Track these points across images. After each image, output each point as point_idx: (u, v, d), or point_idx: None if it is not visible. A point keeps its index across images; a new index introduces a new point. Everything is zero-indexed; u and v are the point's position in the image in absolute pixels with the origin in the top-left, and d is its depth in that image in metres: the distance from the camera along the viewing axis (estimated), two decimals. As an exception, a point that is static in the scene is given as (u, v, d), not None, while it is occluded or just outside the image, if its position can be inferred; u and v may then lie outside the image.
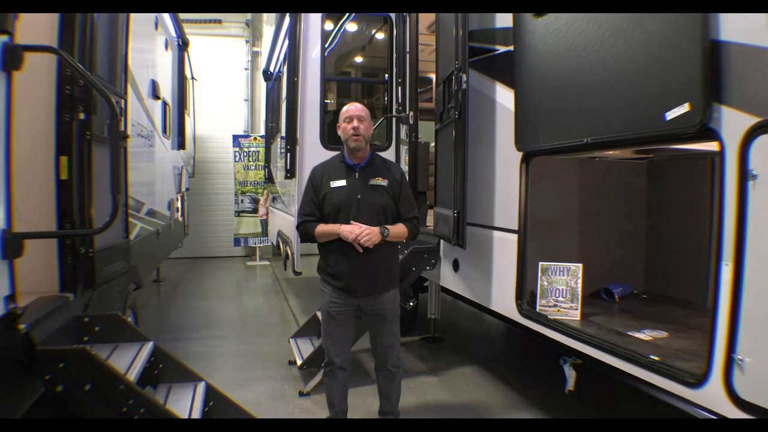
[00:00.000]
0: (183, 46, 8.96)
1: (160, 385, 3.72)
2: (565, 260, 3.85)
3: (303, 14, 5.67)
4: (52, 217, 3.38)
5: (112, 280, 4.09)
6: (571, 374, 3.53)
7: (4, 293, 2.56)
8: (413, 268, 5.02)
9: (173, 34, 8.32)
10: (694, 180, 4.33)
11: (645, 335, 3.36)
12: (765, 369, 2.16)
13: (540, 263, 3.85)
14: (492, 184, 4.24)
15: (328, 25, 6.30)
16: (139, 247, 5.31)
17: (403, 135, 6.13)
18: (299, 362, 5.12)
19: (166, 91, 7.29)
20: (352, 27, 7.26)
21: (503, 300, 4.09)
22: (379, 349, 3.74)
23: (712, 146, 2.38)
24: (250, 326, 7.35)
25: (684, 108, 2.41)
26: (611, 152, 4.28)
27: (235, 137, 13.08)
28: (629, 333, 3.40)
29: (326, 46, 6.09)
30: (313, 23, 5.77)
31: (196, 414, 3.41)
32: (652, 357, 2.84)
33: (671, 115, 2.48)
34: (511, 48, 3.85)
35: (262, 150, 12.39)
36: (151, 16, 6.28)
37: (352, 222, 3.39)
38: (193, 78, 10.54)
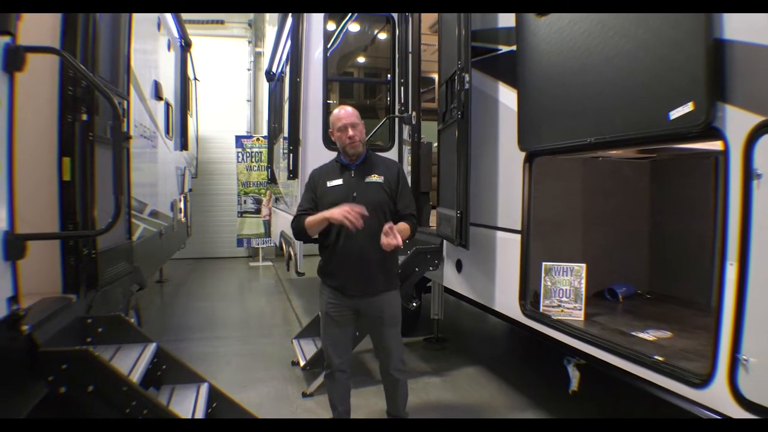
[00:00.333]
0: (185, 46, 8.97)
1: (164, 387, 3.71)
2: (568, 260, 3.84)
3: (305, 14, 5.66)
4: (55, 219, 3.38)
5: (115, 281, 4.09)
6: (574, 375, 3.52)
7: (7, 294, 2.56)
8: (416, 269, 5.02)
9: (176, 34, 8.33)
10: (698, 179, 4.31)
11: (649, 335, 3.35)
12: (770, 369, 2.15)
13: (543, 263, 3.84)
14: (495, 185, 4.23)
15: (331, 26, 6.29)
16: (142, 248, 5.31)
17: (405, 135, 6.12)
18: (302, 363, 5.11)
19: (169, 91, 7.29)
20: (354, 27, 7.26)
21: (506, 300, 4.08)
22: (379, 353, 3.74)
23: (716, 145, 2.37)
24: (253, 327, 7.35)
25: (688, 107, 2.40)
26: (614, 152, 4.26)
27: (238, 138, 13.09)
28: (633, 333, 3.39)
29: (329, 46, 6.09)
30: (316, 23, 5.77)
31: (200, 415, 3.40)
32: (656, 357, 2.83)
33: (675, 114, 2.47)
34: (514, 48, 3.84)
35: (264, 151, 12.39)
36: (154, 16, 6.29)
37: (342, 206, 3.26)
38: (195, 79, 10.55)
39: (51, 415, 3.02)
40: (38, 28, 3.21)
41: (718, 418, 2.38)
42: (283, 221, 8.15)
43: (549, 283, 3.82)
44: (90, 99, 3.45)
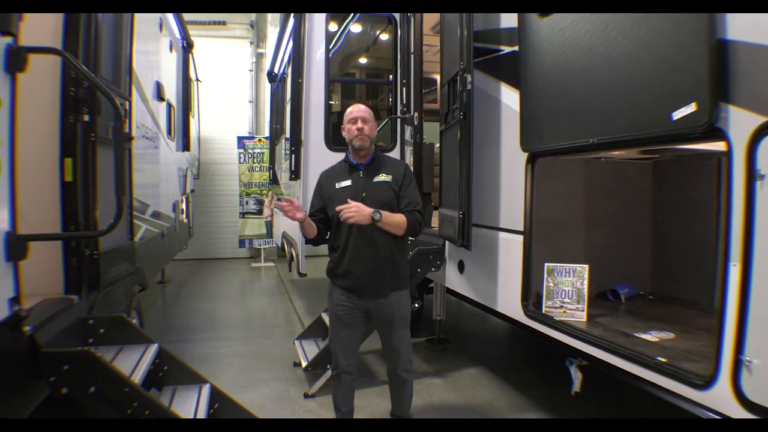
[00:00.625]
0: (187, 47, 8.97)
1: (165, 387, 3.71)
2: (570, 261, 3.84)
3: (307, 15, 5.66)
4: (57, 219, 3.38)
5: (116, 282, 4.09)
6: (577, 376, 3.51)
7: (8, 295, 2.56)
8: (418, 270, 5.01)
9: (177, 35, 8.34)
10: (701, 180, 4.30)
11: (652, 336, 3.34)
12: (774, 371, 2.14)
13: (546, 264, 3.84)
14: (497, 185, 4.22)
15: (333, 26, 6.29)
16: (144, 248, 5.31)
17: (407, 136, 6.12)
18: (304, 364, 5.11)
19: (171, 92, 7.31)
20: (356, 28, 7.26)
21: (509, 301, 4.07)
22: (388, 353, 3.74)
23: (719, 146, 2.37)
24: (254, 328, 7.35)
25: (691, 108, 2.39)
26: (617, 152, 4.25)
27: (240, 139, 13.10)
28: (636, 334, 3.38)
29: (330, 47, 6.09)
30: (318, 24, 5.77)
31: (201, 416, 3.40)
32: (659, 358, 2.82)
33: (678, 114, 2.46)
34: (516, 48, 3.84)
35: (266, 151, 12.39)
36: (156, 17, 6.29)
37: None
38: (197, 80, 10.56)
39: (53, 416, 3.02)
40: (40, 28, 3.22)
41: (720, 419, 2.37)
42: (285, 222, 8.14)
43: (551, 284, 3.81)
44: (92, 100, 3.45)
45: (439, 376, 5.31)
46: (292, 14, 6.04)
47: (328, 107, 5.88)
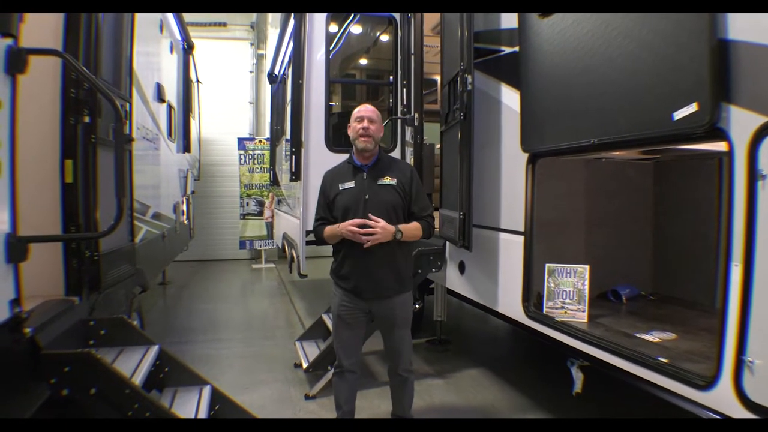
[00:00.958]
0: (188, 49, 8.97)
1: (166, 389, 3.70)
2: (571, 262, 3.83)
3: (308, 16, 5.66)
4: (57, 221, 3.37)
5: (117, 284, 4.08)
6: (578, 377, 3.51)
7: (9, 297, 2.56)
8: (419, 270, 5.01)
9: (178, 37, 8.34)
10: (702, 180, 4.29)
11: (653, 337, 3.34)
12: (776, 371, 2.13)
13: (546, 265, 3.84)
14: (498, 186, 4.22)
15: (333, 27, 6.29)
16: (145, 250, 5.31)
17: (408, 137, 6.11)
18: (305, 365, 5.11)
19: (171, 94, 7.31)
20: (356, 29, 7.25)
21: (510, 302, 4.07)
22: (389, 353, 3.74)
23: (721, 146, 2.36)
24: (255, 329, 7.35)
25: (692, 108, 2.39)
26: (618, 153, 4.25)
27: (240, 140, 13.10)
28: (637, 335, 3.38)
29: (331, 48, 6.09)
30: (318, 25, 5.77)
31: (202, 417, 3.39)
32: (660, 359, 2.81)
33: (679, 115, 2.45)
34: (517, 49, 3.83)
35: (267, 153, 12.39)
36: (156, 18, 6.30)
37: (354, 221, 3.37)
38: (198, 81, 10.56)
39: (54, 418, 3.02)
40: (40, 29, 3.22)
41: (721, 419, 2.37)
42: (285, 223, 8.15)
43: (552, 285, 3.81)
44: (92, 101, 3.44)
45: (440, 377, 5.30)
46: (293, 15, 6.04)
47: (328, 108, 5.88)
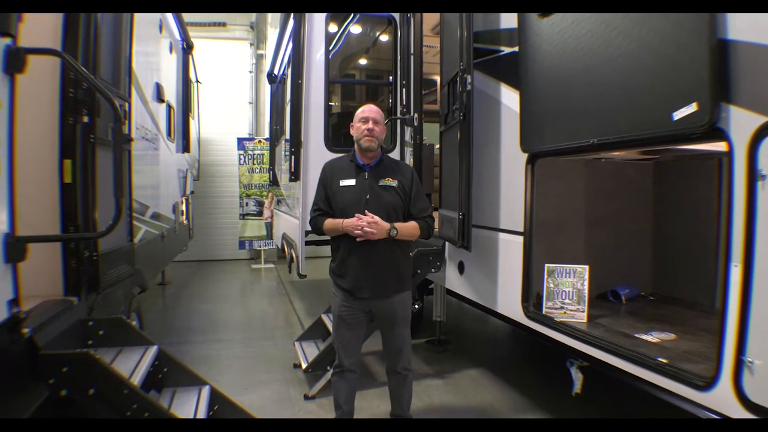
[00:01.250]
0: (187, 49, 8.97)
1: (165, 389, 3.70)
2: (571, 262, 3.83)
3: (307, 16, 5.66)
4: (56, 221, 3.37)
5: (116, 284, 4.08)
6: (578, 377, 3.51)
7: (7, 297, 2.55)
8: (418, 271, 5.00)
9: (177, 37, 8.33)
10: (702, 181, 4.29)
11: (652, 337, 3.33)
12: (776, 372, 2.13)
13: (546, 265, 3.83)
14: (497, 186, 4.21)
15: (333, 28, 6.28)
16: (144, 250, 5.30)
17: (407, 137, 6.11)
18: (304, 365, 5.10)
19: (171, 94, 7.30)
20: (356, 29, 7.25)
21: (509, 302, 4.06)
22: (389, 352, 3.74)
23: (720, 146, 2.36)
24: (255, 329, 7.34)
25: (691, 108, 2.38)
26: (617, 153, 4.25)
27: (240, 140, 13.09)
28: (636, 335, 3.37)
29: (330, 48, 6.08)
30: (318, 25, 5.77)
31: (201, 418, 3.39)
32: (659, 359, 2.81)
33: (678, 115, 2.45)
34: (516, 49, 3.83)
35: (266, 153, 12.38)
36: (156, 18, 6.29)
37: (356, 215, 3.38)
38: (197, 81, 10.55)
39: (52, 418, 3.01)
40: (39, 29, 3.21)
41: (721, 419, 2.36)
42: (285, 223, 8.15)
43: (552, 285, 3.80)
44: (91, 101, 3.44)
45: (439, 377, 5.30)
46: (292, 15, 6.04)
47: (327, 108, 5.87)
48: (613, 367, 3.05)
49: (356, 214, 3.38)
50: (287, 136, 6.63)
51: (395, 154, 6.13)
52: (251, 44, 14.20)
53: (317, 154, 5.61)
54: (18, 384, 2.73)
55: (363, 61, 8.35)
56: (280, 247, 8.83)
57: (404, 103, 6.07)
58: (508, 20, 4.00)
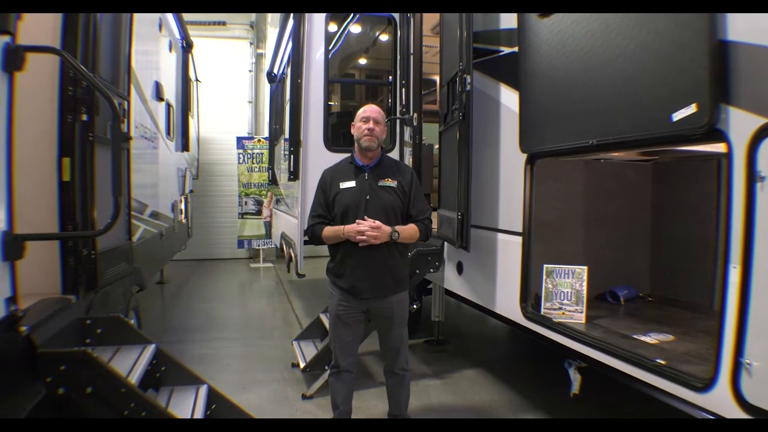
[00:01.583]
0: (187, 47, 8.96)
1: (162, 388, 3.70)
2: (569, 263, 3.83)
3: (307, 16, 5.65)
4: (55, 219, 3.37)
5: (114, 282, 4.07)
6: (576, 378, 3.51)
7: (5, 295, 2.55)
8: (417, 271, 5.00)
9: (177, 35, 8.32)
10: (701, 182, 4.29)
11: (651, 338, 3.33)
12: (774, 373, 2.13)
13: (544, 266, 3.83)
14: (496, 187, 4.21)
15: (332, 27, 6.28)
16: (143, 248, 5.30)
17: (407, 137, 6.11)
18: (302, 365, 5.10)
19: (170, 92, 7.29)
20: (355, 29, 7.25)
21: (507, 303, 4.06)
22: (386, 352, 3.74)
23: (719, 148, 2.36)
24: (253, 329, 7.33)
25: (691, 109, 2.38)
26: (616, 154, 4.25)
27: (239, 139, 13.08)
28: (635, 336, 3.37)
29: (330, 47, 6.08)
30: (317, 25, 5.76)
31: (198, 417, 3.39)
32: (658, 360, 2.81)
33: (678, 116, 2.45)
34: (516, 49, 3.83)
35: (265, 152, 12.36)
36: (155, 17, 6.28)
37: (357, 221, 3.37)
38: (197, 80, 10.54)
39: (50, 417, 3.01)
40: (39, 28, 3.21)
41: (720, 419, 2.36)
42: (284, 223, 8.14)
43: (550, 286, 3.80)
44: (90, 99, 3.44)
45: (437, 377, 5.30)
46: (292, 15, 6.03)
47: (327, 108, 5.87)
48: (611, 368, 3.05)
49: (357, 220, 3.37)
50: (286, 135, 6.62)
51: (394, 154, 6.13)
52: (251, 43, 14.18)
53: (316, 154, 5.61)
54: (15, 382, 2.72)
55: (363, 61, 8.35)
56: (279, 247, 8.82)
57: (404, 102, 6.07)
58: (508, 20, 4.00)
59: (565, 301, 3.76)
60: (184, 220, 9.15)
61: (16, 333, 2.63)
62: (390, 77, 6.34)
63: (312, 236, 3.60)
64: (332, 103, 7.35)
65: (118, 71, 4.26)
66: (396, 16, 6.12)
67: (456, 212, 4.17)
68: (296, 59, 5.74)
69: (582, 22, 3.11)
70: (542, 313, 3.79)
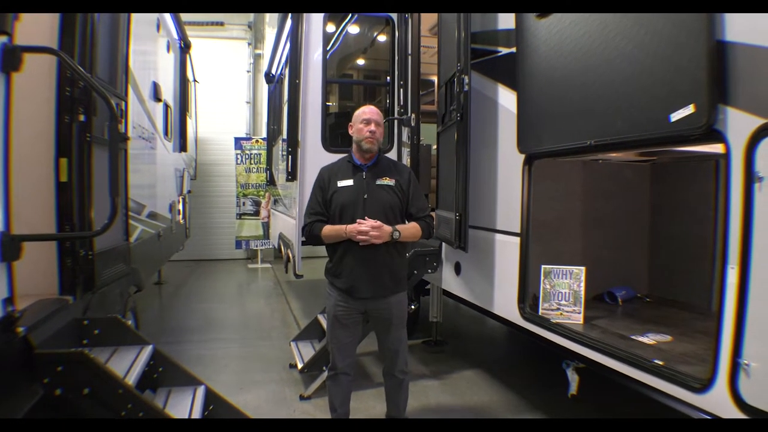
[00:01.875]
0: (185, 48, 8.95)
1: (160, 389, 3.69)
2: (567, 263, 3.83)
3: (305, 16, 5.65)
4: (52, 220, 3.36)
5: (112, 283, 4.07)
6: (574, 378, 3.51)
7: (2, 296, 2.54)
8: (415, 271, 5.00)
9: (175, 36, 8.31)
10: (699, 182, 4.30)
11: (649, 339, 3.33)
12: (772, 374, 2.13)
13: (542, 266, 3.83)
14: (494, 187, 4.21)
15: (330, 27, 6.27)
16: (140, 249, 5.29)
17: (404, 137, 6.11)
18: (300, 366, 5.09)
19: (168, 93, 7.28)
20: (353, 29, 7.25)
21: (505, 303, 4.06)
22: (385, 354, 3.73)
23: (718, 148, 2.36)
24: (251, 329, 7.33)
25: (689, 109, 2.38)
26: (614, 154, 4.25)
27: (237, 140, 13.06)
28: (633, 337, 3.37)
29: (328, 48, 6.07)
30: (315, 25, 5.75)
31: (196, 418, 3.38)
32: (656, 361, 2.81)
33: (676, 116, 2.45)
34: (514, 50, 3.83)
35: (263, 152, 12.37)
36: (153, 17, 6.27)
37: (357, 221, 3.37)
38: (195, 80, 10.53)
39: (47, 418, 3.00)
40: (36, 28, 3.20)
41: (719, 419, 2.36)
42: (281, 223, 8.14)
43: (548, 286, 3.80)
44: (87, 100, 3.43)
45: (435, 378, 5.30)
46: (290, 15, 6.03)
47: (325, 108, 5.86)
48: (609, 368, 3.05)
49: (357, 220, 3.37)
50: (284, 135, 6.61)
51: (392, 155, 6.12)
52: (249, 44, 14.17)
53: (314, 154, 5.60)
54: (12, 383, 2.71)
55: (360, 62, 8.35)
56: (277, 247, 8.82)
57: (401, 103, 6.06)
58: (506, 21, 4.00)
59: (563, 302, 3.76)
60: (181, 221, 9.14)
61: (13, 334, 2.62)
62: (388, 78, 6.34)
63: (310, 235, 3.56)
64: (330, 103, 7.34)
65: (116, 71, 4.25)
66: (394, 16, 6.12)
67: (454, 213, 4.17)
68: (294, 60, 5.73)
69: (580, 23, 3.11)
70: (540, 313, 3.79)
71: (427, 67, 6.63)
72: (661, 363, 2.78)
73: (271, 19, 13.07)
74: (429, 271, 5.11)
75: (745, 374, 2.21)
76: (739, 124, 2.23)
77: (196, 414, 3.41)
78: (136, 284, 5.00)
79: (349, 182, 3.52)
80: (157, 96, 6.23)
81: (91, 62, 3.57)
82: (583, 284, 3.72)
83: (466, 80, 4.00)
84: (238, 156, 13.00)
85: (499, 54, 4.15)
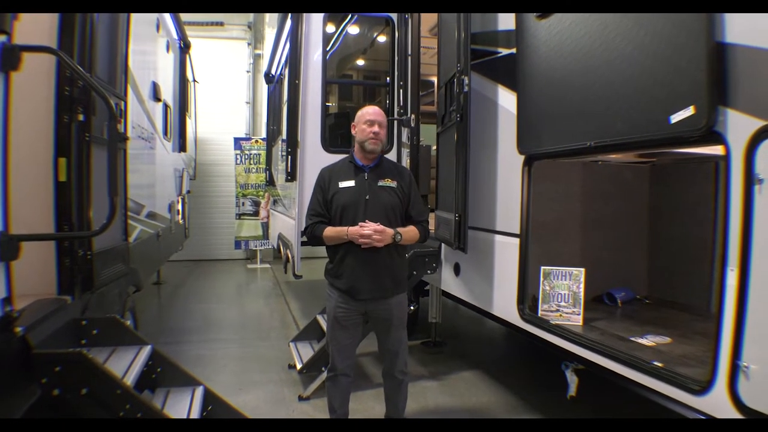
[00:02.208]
0: (184, 48, 8.95)
1: (158, 389, 3.69)
2: (567, 264, 3.82)
3: (305, 16, 5.65)
4: (50, 219, 3.35)
5: (110, 283, 4.06)
6: (573, 380, 3.50)
7: (0, 296, 2.53)
8: (414, 272, 4.99)
9: (175, 36, 8.31)
10: (698, 184, 4.29)
11: (648, 341, 3.33)
12: (771, 376, 2.13)
13: (542, 267, 3.82)
14: (494, 188, 4.21)
15: (330, 28, 6.27)
16: (139, 249, 5.28)
17: (404, 138, 6.11)
18: (299, 366, 5.09)
19: (168, 93, 7.27)
20: (353, 29, 7.25)
21: (505, 304, 4.05)
22: (385, 355, 3.73)
23: (717, 150, 2.35)
24: (250, 329, 7.32)
25: (689, 111, 2.38)
26: (614, 156, 4.25)
27: (237, 140, 13.06)
28: (632, 338, 3.37)
29: (328, 48, 6.08)
30: (315, 26, 5.76)
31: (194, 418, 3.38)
32: (655, 363, 2.80)
33: (676, 118, 2.45)
34: (514, 50, 3.83)
35: (263, 153, 12.37)
36: (153, 17, 6.27)
37: (360, 224, 3.36)
38: (194, 80, 10.53)
39: (45, 418, 2.99)
40: (35, 27, 3.20)
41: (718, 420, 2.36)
42: (281, 223, 8.13)
43: (547, 288, 3.80)
44: (87, 99, 3.43)
45: (434, 379, 5.29)
46: (290, 15, 6.03)
47: (324, 109, 5.86)
48: (609, 370, 3.04)
49: (360, 223, 3.36)
50: (284, 136, 6.61)
51: (392, 155, 6.12)
52: (249, 44, 14.17)
53: (314, 155, 5.60)
54: (10, 383, 2.71)
55: (360, 62, 8.35)
56: (276, 248, 8.82)
57: (401, 104, 6.06)
58: (506, 22, 4.00)
59: (563, 303, 3.75)
60: (181, 221, 9.14)
61: (11, 334, 2.62)
62: (388, 78, 6.34)
63: (311, 236, 3.57)
64: (330, 104, 7.34)
65: (115, 71, 4.25)
66: (394, 16, 6.12)
67: (453, 213, 4.16)
68: (294, 60, 5.73)
69: (580, 24, 3.11)
70: (539, 314, 3.78)
71: (427, 68, 6.64)
72: (660, 365, 2.77)
73: (270, 19, 13.06)
74: (428, 271, 5.10)
75: (744, 377, 2.20)
76: (739, 125, 2.22)
77: (195, 414, 3.41)
78: (134, 284, 4.99)
79: (351, 183, 3.52)
80: (156, 96, 6.23)
81: (91, 62, 3.57)
82: (582, 285, 3.72)
83: (466, 81, 4.00)
84: (238, 156, 13.00)
85: (499, 55, 4.14)
